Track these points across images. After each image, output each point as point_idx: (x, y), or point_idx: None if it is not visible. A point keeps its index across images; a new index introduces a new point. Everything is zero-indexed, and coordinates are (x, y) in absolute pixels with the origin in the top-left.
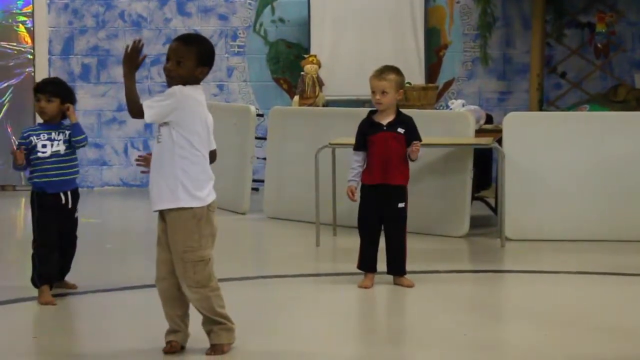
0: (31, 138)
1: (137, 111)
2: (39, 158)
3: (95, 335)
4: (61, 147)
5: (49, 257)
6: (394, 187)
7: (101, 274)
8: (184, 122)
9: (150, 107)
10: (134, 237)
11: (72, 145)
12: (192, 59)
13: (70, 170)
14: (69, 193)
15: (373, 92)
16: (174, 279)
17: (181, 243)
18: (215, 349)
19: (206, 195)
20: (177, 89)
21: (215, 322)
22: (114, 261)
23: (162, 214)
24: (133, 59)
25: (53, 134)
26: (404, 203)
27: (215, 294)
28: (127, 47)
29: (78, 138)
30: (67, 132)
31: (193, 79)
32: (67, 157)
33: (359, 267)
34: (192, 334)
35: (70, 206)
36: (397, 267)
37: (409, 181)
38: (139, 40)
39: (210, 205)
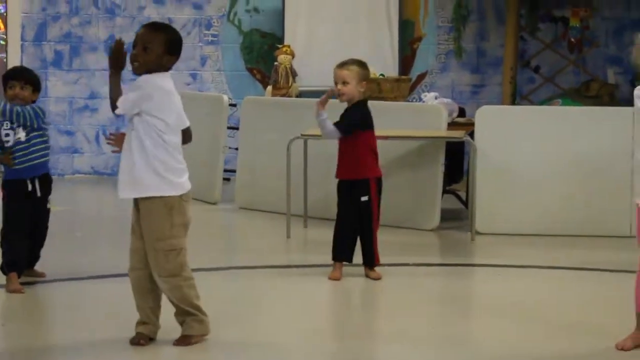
0: None
1: (114, 108)
2: (3, 148)
3: (63, 324)
4: (22, 135)
5: (17, 244)
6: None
7: (70, 263)
8: (154, 112)
9: (123, 108)
10: (105, 225)
11: (33, 129)
12: (159, 45)
13: (36, 155)
14: (36, 181)
15: (335, 83)
16: (146, 269)
17: (153, 231)
18: (183, 340)
19: (180, 184)
20: (143, 79)
21: (188, 313)
22: (84, 250)
23: (136, 202)
24: (117, 60)
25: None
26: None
27: (187, 283)
28: (111, 47)
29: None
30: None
31: (160, 67)
32: (29, 143)
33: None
34: (165, 325)
35: (39, 194)
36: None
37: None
38: (120, 40)
39: (184, 195)
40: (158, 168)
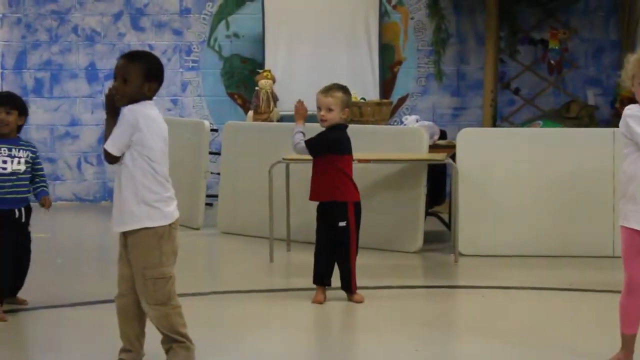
0: None
1: (106, 153)
2: None
3: (46, 352)
4: (22, 167)
5: (1, 271)
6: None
7: (53, 290)
8: (142, 142)
9: (113, 144)
10: (86, 252)
11: (31, 167)
12: (138, 75)
13: (25, 189)
14: (22, 208)
15: (318, 108)
16: (134, 296)
17: (141, 260)
18: None
19: (170, 213)
20: (127, 110)
21: (174, 340)
22: (66, 277)
23: (124, 231)
24: (110, 106)
25: (13, 150)
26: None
27: (175, 312)
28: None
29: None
30: (29, 153)
31: (142, 96)
32: (24, 176)
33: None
34: (149, 352)
35: (23, 220)
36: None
37: (364, 196)
38: (112, 87)
39: (173, 223)
40: (148, 199)
